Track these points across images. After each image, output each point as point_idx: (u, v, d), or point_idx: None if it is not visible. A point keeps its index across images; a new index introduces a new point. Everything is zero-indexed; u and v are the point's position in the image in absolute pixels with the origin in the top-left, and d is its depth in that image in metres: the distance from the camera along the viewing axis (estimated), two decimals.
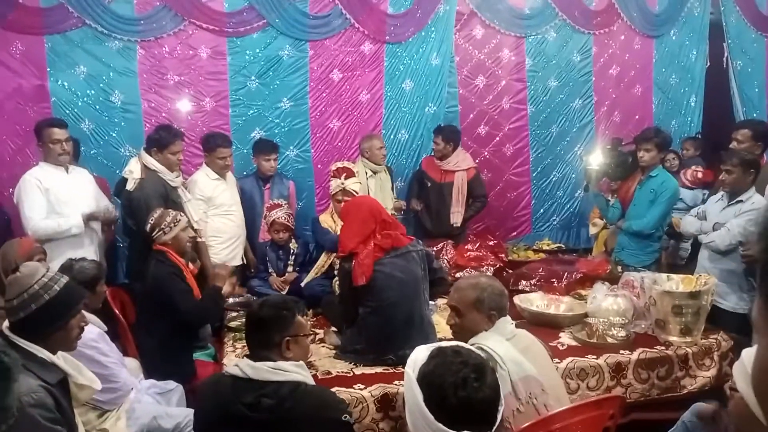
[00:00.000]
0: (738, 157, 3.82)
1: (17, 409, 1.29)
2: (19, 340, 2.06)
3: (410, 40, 5.69)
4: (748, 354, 1.28)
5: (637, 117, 6.43)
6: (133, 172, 4.22)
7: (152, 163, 4.18)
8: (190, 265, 3.73)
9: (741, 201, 3.77)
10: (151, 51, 5.14)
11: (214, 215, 4.60)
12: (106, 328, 2.97)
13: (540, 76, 6.11)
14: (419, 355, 1.93)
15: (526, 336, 2.55)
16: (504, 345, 2.35)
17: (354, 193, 4.29)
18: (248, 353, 2.25)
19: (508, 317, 2.52)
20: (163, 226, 3.51)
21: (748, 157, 3.86)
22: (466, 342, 2.33)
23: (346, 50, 5.56)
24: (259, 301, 2.29)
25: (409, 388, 1.83)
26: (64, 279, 2.20)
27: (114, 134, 5.12)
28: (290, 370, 2.11)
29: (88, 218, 4.02)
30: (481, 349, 2.32)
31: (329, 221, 4.46)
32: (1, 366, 1.19)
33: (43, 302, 2.10)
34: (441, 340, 3.50)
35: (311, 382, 2.19)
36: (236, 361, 2.22)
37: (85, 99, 5.03)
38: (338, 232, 4.39)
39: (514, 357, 2.31)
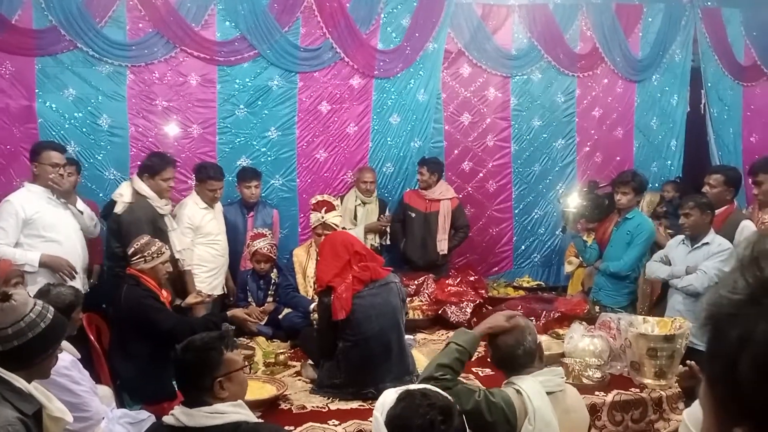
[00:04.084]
0: (694, 201, 3.93)
1: None
2: None
3: (398, 75, 5.80)
4: (690, 416, 1.30)
5: (618, 158, 6.55)
6: (123, 195, 4.22)
7: (143, 188, 4.19)
8: (164, 292, 3.72)
9: (707, 243, 3.85)
10: (141, 76, 5.19)
11: (199, 244, 4.60)
12: (79, 356, 2.94)
13: (524, 116, 6.23)
14: (387, 398, 1.93)
15: (574, 398, 2.46)
16: (543, 399, 2.26)
17: (334, 226, 4.32)
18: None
19: (559, 369, 2.46)
20: (145, 254, 3.50)
21: (704, 200, 3.98)
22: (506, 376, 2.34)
23: (335, 83, 5.65)
24: (181, 345, 2.15)
25: (377, 431, 1.83)
26: (52, 308, 2.19)
27: (100, 157, 5.13)
28: (228, 411, 2.03)
29: (44, 263, 3.81)
30: (518, 393, 2.27)
31: (302, 255, 4.48)
32: None
33: (39, 331, 2.08)
34: (416, 376, 3.52)
35: (252, 419, 2.12)
36: (173, 409, 2.11)
37: (73, 121, 5.05)
38: (309, 268, 4.44)
39: (548, 417, 2.23)
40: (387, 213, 5.61)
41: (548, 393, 2.30)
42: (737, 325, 0.66)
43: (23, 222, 3.80)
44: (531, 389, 2.28)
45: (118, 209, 4.17)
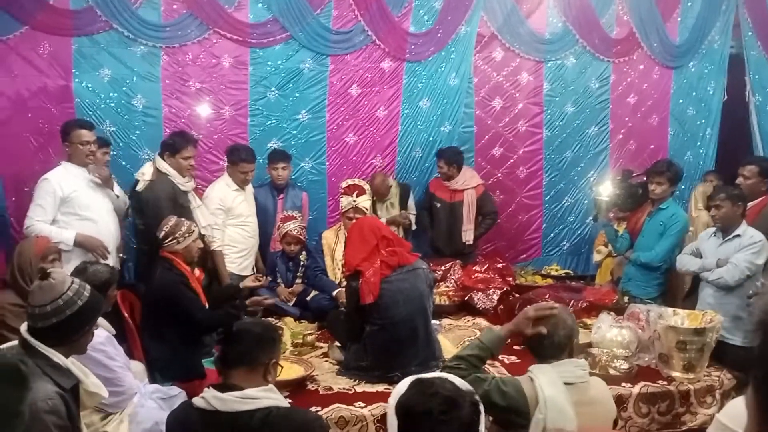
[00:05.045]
0: (725, 192, 3.86)
1: (31, 413, 1.33)
2: (37, 343, 2.10)
3: (430, 59, 5.75)
4: (728, 415, 1.28)
5: (652, 147, 6.42)
6: (144, 174, 4.31)
7: (164, 166, 4.26)
8: (196, 272, 3.79)
9: (738, 236, 3.77)
10: (174, 57, 5.23)
11: (230, 225, 4.65)
12: (114, 332, 3.02)
13: (557, 101, 6.14)
14: (402, 385, 1.95)
15: (599, 390, 2.44)
16: (557, 388, 2.27)
17: (365, 210, 4.34)
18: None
19: (580, 361, 2.44)
20: (177, 235, 3.55)
21: (735, 191, 3.90)
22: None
23: (366, 66, 5.63)
24: (246, 320, 2.19)
25: (390, 416, 1.86)
26: (88, 286, 2.25)
27: (134, 137, 5.21)
28: (259, 397, 2.01)
29: (79, 243, 3.87)
30: (531, 380, 2.30)
31: (331, 238, 4.52)
32: (18, 374, 1.24)
33: (77, 308, 2.14)
34: (446, 359, 3.54)
35: (283, 403, 2.10)
36: (204, 392, 2.07)
37: (108, 101, 5.12)
38: (337, 251, 4.48)
39: (561, 405, 2.23)
40: (412, 209, 5.55)
41: (568, 384, 2.30)
42: None
43: (60, 200, 3.88)
44: (545, 378, 2.29)
45: (139, 187, 4.26)
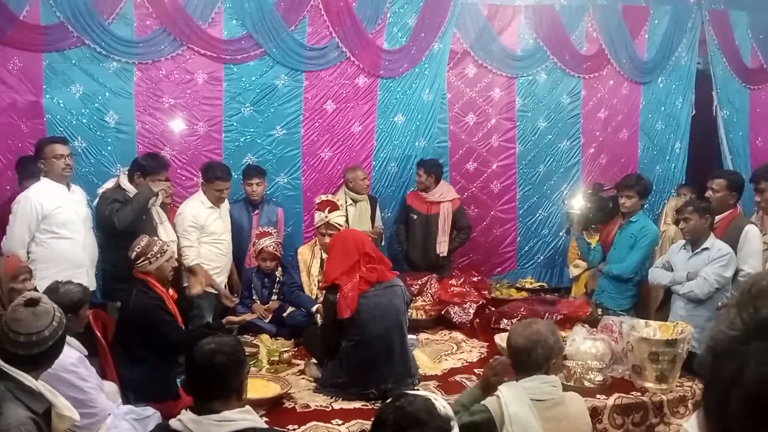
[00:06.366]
0: (693, 205, 3.97)
1: None
2: (8, 368, 2.06)
3: (404, 75, 5.80)
4: (694, 425, 1.31)
5: (622, 160, 6.55)
6: (105, 189, 4.30)
7: (127, 186, 4.24)
8: (170, 291, 3.74)
9: (707, 248, 3.86)
10: (147, 73, 5.20)
11: (204, 243, 4.61)
12: (86, 352, 2.97)
13: (529, 117, 6.24)
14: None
15: (572, 406, 2.45)
16: (522, 405, 2.28)
17: (338, 226, 4.35)
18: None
19: (550, 377, 2.42)
20: (149, 256, 3.49)
21: (702, 204, 4.01)
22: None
23: (340, 82, 5.65)
24: (205, 348, 2.06)
25: None
26: (62, 313, 2.23)
27: (106, 153, 5.14)
28: (236, 419, 1.99)
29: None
30: (498, 398, 2.32)
31: (307, 254, 4.51)
32: None
33: (57, 338, 2.13)
34: (422, 375, 3.55)
35: (261, 424, 2.09)
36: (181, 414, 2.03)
37: (80, 117, 5.06)
38: (313, 266, 4.47)
39: (525, 422, 2.24)
40: (378, 221, 5.59)
41: (537, 400, 2.33)
42: (731, 361, 0.68)
43: (42, 217, 3.90)
44: (510, 395, 2.32)
45: (96, 202, 4.26)
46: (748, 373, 0.66)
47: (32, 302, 2.11)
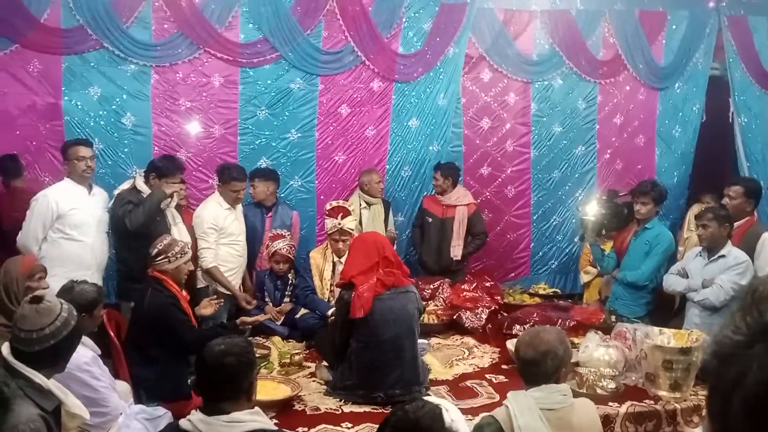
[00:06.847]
0: (712, 212, 3.92)
1: None
2: (20, 365, 2.08)
3: (419, 79, 5.81)
4: None
5: (639, 167, 6.49)
6: (121, 191, 4.33)
7: (143, 188, 4.28)
8: (184, 292, 3.77)
9: (723, 256, 3.82)
10: (164, 76, 5.25)
11: (221, 244, 4.62)
12: (99, 352, 3.00)
13: (544, 122, 6.21)
14: None
15: (583, 414, 2.42)
16: (532, 415, 2.26)
17: (351, 231, 4.36)
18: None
19: (561, 386, 2.39)
20: (170, 255, 3.53)
21: (722, 211, 3.95)
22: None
23: (355, 86, 5.67)
24: (215, 349, 2.07)
25: None
26: (74, 310, 2.25)
27: (123, 155, 5.20)
28: (245, 420, 2.00)
29: None
30: (506, 408, 2.30)
31: (318, 258, 4.52)
32: (0, 397, 1.23)
33: (66, 334, 2.15)
34: (431, 380, 3.54)
35: (270, 426, 2.09)
36: (190, 415, 2.05)
37: (97, 119, 5.12)
38: (326, 271, 4.48)
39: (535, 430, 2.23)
40: (391, 225, 5.58)
41: (547, 410, 2.30)
42: (734, 365, 0.68)
43: (57, 216, 3.98)
44: (519, 405, 2.29)
45: (111, 204, 4.29)
46: (750, 376, 0.65)
47: (36, 299, 2.14)
